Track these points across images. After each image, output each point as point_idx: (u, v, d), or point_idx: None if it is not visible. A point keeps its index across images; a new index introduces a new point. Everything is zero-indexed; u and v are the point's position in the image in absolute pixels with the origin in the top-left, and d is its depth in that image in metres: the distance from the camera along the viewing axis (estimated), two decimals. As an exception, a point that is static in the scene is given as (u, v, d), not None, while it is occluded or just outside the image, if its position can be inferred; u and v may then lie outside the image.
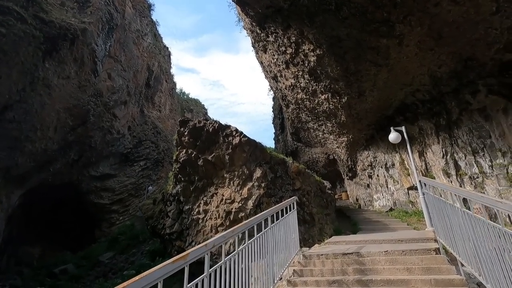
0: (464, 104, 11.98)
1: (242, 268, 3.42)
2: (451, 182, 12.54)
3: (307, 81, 14.51)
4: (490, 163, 11.37)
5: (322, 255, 5.50)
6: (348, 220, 14.89)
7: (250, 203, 10.20)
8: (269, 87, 24.21)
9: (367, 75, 12.44)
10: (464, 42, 10.14)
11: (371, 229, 12.24)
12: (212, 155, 11.21)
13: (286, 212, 5.62)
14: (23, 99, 17.04)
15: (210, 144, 11.45)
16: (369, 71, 12.20)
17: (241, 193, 10.49)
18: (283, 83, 16.78)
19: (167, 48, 40.03)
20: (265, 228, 4.52)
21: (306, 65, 13.35)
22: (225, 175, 11.09)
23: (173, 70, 46.60)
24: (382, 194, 17.55)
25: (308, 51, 12.67)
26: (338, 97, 14.16)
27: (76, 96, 20.28)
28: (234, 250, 3.53)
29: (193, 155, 11.66)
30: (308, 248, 7.08)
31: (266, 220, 4.66)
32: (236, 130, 11.15)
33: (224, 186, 11.05)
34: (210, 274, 2.76)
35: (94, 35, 20.53)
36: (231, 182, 10.88)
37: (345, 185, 24.02)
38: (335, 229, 12.04)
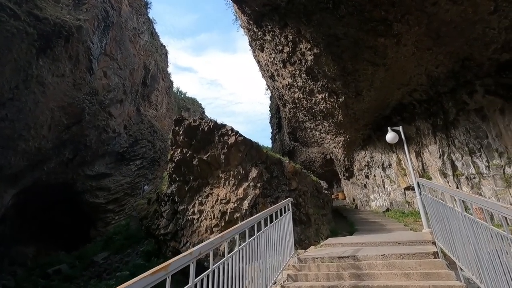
0: (461, 104, 11.96)
1: (232, 275, 3.27)
2: (448, 182, 12.50)
3: (304, 80, 14.39)
4: (487, 164, 11.35)
5: (317, 258, 5.39)
6: (345, 221, 14.80)
7: (245, 204, 10.07)
8: (266, 86, 24.06)
9: (364, 75, 12.35)
10: (462, 42, 10.09)
11: (367, 230, 12.17)
12: (208, 154, 11.06)
13: (281, 214, 5.49)
14: (16, 97, 16.79)
15: (206, 144, 11.29)
16: (366, 70, 12.11)
17: (236, 193, 10.36)
18: (280, 82, 16.64)
19: (164, 46, 39.68)
20: (258, 232, 4.38)
21: (303, 64, 13.22)
22: (220, 175, 10.95)
23: (170, 69, 46.27)
24: (379, 194, 17.49)
25: (305, 50, 12.54)
26: (335, 97, 14.06)
27: (71, 94, 20.01)
28: (225, 254, 3.39)
29: (188, 154, 11.50)
30: (304, 250, 6.97)
31: (259, 223, 4.53)
32: (232, 129, 11.01)
33: (219, 186, 10.90)
34: (196, 284, 2.59)
35: (89, 33, 20.26)
36: (227, 182, 10.74)
37: (342, 185, 23.96)
38: (331, 229, 11.94)
